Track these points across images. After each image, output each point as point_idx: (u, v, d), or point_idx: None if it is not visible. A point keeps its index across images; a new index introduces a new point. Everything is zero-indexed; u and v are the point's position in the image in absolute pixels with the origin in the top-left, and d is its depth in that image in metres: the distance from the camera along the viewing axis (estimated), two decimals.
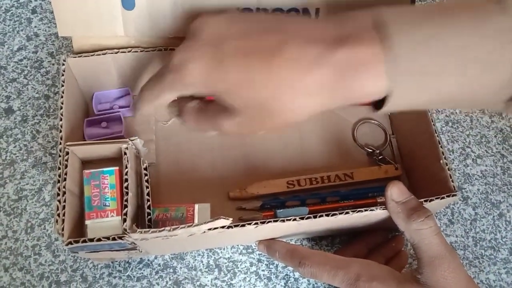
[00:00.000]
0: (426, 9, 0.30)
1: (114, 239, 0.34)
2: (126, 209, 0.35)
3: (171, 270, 0.44)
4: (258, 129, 0.32)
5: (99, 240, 0.34)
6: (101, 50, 0.42)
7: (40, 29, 0.54)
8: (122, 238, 0.34)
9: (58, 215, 0.35)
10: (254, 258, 0.45)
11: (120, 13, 0.39)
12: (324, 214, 0.37)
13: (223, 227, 0.35)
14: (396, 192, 0.37)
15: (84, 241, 0.34)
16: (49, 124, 0.49)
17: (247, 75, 0.29)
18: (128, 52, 0.42)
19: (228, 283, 0.44)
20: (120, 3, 0.39)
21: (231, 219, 0.35)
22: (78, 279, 0.43)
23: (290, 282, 0.44)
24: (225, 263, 0.45)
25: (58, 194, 0.35)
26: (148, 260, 0.44)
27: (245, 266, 0.45)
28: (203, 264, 0.44)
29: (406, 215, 0.37)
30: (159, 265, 0.44)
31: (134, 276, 0.43)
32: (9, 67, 0.51)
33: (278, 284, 0.44)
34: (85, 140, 0.43)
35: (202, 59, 0.31)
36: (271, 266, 0.45)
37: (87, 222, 0.36)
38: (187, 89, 0.32)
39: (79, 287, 0.42)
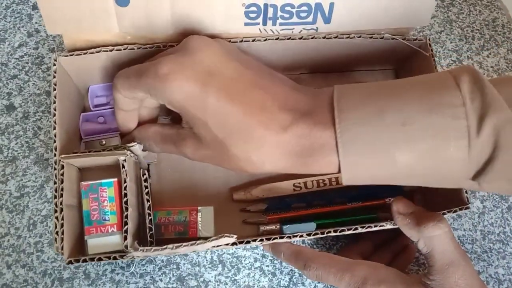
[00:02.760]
0: (381, 84, 0.32)
1: (115, 258, 0.34)
2: (126, 226, 0.34)
3: (175, 266, 0.43)
4: (220, 165, 0.34)
5: (100, 259, 0.33)
6: (95, 47, 0.40)
7: (40, 25, 0.53)
8: (124, 256, 0.34)
9: (57, 233, 0.33)
10: (258, 254, 0.44)
11: (113, 10, 0.37)
12: (332, 230, 0.37)
13: (227, 244, 0.35)
14: (401, 205, 0.37)
15: (85, 260, 0.33)
16: (51, 121, 0.48)
17: (226, 116, 0.31)
18: (124, 49, 0.40)
19: (232, 279, 0.43)
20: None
21: (235, 236, 0.34)
22: (81, 275, 0.42)
23: (295, 278, 0.44)
24: (229, 258, 0.44)
25: (56, 211, 0.34)
26: (151, 256, 0.44)
27: (249, 262, 0.44)
28: (206, 260, 0.44)
29: (416, 223, 0.36)
30: (162, 261, 0.43)
31: (137, 273, 0.43)
32: (10, 63, 0.51)
33: (283, 279, 0.44)
34: (81, 136, 0.42)
35: (190, 80, 0.31)
36: (275, 262, 0.44)
37: (86, 237, 0.35)
38: (161, 100, 0.33)
39: (82, 284, 0.42)
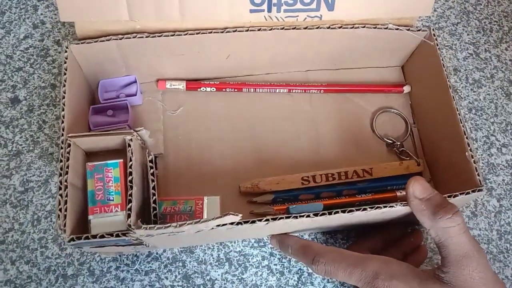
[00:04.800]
0: None
1: (118, 235, 0.33)
2: (130, 204, 0.34)
3: (180, 264, 0.42)
4: None
5: (102, 237, 0.33)
6: (105, 36, 0.40)
7: (46, 17, 0.52)
8: (126, 235, 0.33)
9: (60, 210, 0.33)
10: (266, 252, 0.43)
11: None
12: (340, 210, 0.35)
13: (232, 223, 0.33)
14: (418, 189, 0.35)
15: (87, 238, 0.33)
16: (56, 114, 0.47)
17: None
18: (133, 38, 0.40)
19: (239, 277, 0.42)
20: None
21: (240, 215, 0.33)
22: (85, 272, 0.42)
23: (303, 277, 0.42)
24: (236, 256, 0.43)
25: (60, 188, 0.34)
26: (157, 253, 0.43)
27: (257, 260, 0.43)
28: (213, 258, 0.43)
29: (431, 212, 0.34)
30: (168, 258, 0.42)
31: (142, 270, 0.42)
32: (15, 55, 0.50)
33: (291, 279, 0.42)
34: (90, 129, 0.42)
35: None
36: (283, 260, 0.43)
37: (90, 217, 0.35)
38: None
39: (86, 280, 0.41)
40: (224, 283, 0.42)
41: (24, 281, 0.41)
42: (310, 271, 0.43)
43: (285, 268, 0.43)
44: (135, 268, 0.42)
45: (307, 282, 0.42)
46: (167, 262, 0.42)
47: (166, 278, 0.42)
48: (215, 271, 0.42)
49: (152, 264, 0.42)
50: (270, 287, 0.42)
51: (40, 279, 0.41)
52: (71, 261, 0.42)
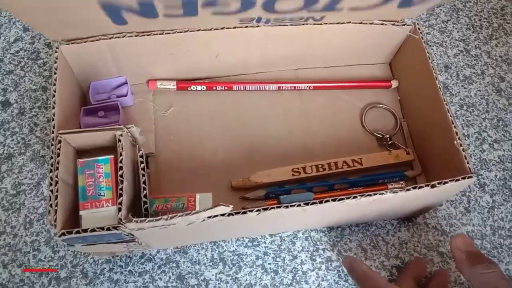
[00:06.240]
0: None
1: (108, 229, 0.33)
2: (121, 198, 0.34)
3: (174, 265, 0.42)
4: None
5: (93, 230, 0.33)
6: (95, 36, 0.40)
7: None
8: (117, 228, 0.33)
9: (51, 205, 0.33)
10: (260, 251, 0.43)
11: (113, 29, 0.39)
12: (330, 199, 0.35)
13: (223, 214, 0.33)
14: (460, 243, 0.38)
15: (78, 232, 0.32)
16: (47, 117, 0.47)
17: None
18: (123, 37, 0.40)
19: (233, 277, 0.42)
20: (111, 21, 0.37)
21: (231, 206, 0.33)
22: (78, 275, 0.41)
23: (298, 276, 0.42)
24: (230, 256, 0.43)
25: (51, 184, 0.34)
26: (150, 254, 0.42)
27: (251, 259, 0.43)
28: (207, 258, 0.43)
29: (470, 262, 0.36)
30: (161, 259, 0.42)
31: (135, 271, 0.42)
32: (5, 59, 0.50)
33: (286, 277, 0.42)
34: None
35: None
36: (277, 259, 0.43)
37: (81, 212, 0.35)
38: None
39: (79, 283, 0.41)
40: (218, 283, 0.42)
41: (16, 285, 0.41)
42: (305, 269, 0.43)
43: (279, 267, 0.43)
44: (128, 269, 0.42)
45: (301, 281, 0.42)
46: (160, 263, 0.42)
47: (160, 279, 0.42)
48: (209, 271, 0.42)
49: (146, 265, 0.42)
50: (264, 286, 0.42)
51: (33, 282, 0.41)
52: (64, 263, 0.42)
